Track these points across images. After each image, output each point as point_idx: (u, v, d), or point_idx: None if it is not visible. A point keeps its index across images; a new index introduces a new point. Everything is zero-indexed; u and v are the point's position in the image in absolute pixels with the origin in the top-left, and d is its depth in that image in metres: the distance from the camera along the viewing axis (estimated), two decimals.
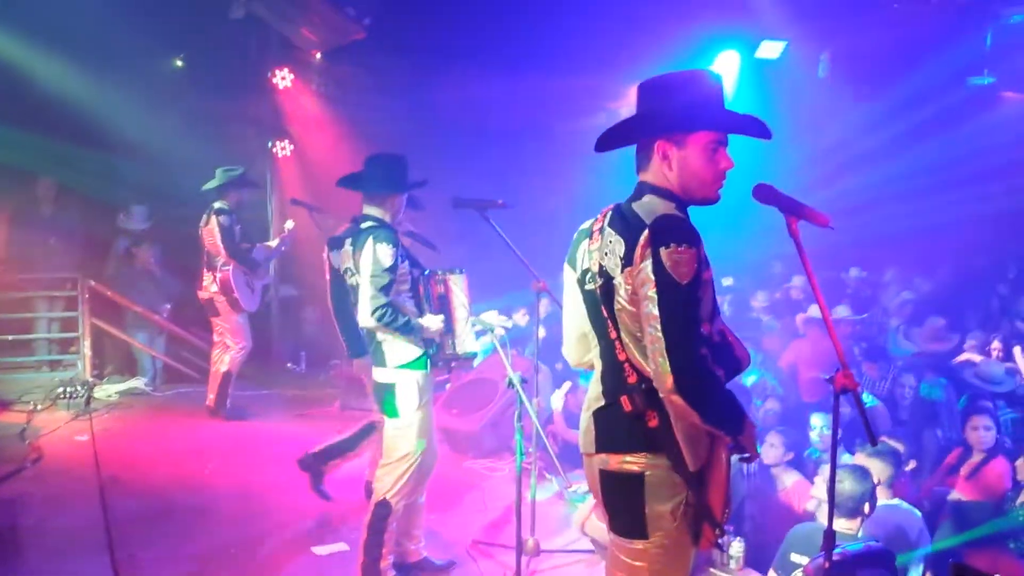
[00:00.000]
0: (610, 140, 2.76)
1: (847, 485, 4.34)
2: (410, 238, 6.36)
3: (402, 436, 4.42)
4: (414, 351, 4.39)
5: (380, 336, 4.40)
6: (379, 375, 4.47)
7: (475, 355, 4.83)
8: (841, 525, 4.27)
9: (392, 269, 4.26)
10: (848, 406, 5.27)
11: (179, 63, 10.42)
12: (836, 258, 10.13)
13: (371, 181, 4.55)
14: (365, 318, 4.26)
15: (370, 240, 4.29)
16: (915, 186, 9.58)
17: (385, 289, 4.23)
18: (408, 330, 4.31)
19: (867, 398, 6.77)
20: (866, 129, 9.96)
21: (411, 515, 4.62)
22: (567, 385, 7.00)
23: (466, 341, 4.66)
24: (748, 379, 7.44)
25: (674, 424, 2.56)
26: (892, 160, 9.82)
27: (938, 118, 9.35)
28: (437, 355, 4.53)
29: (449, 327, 4.58)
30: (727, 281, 10.13)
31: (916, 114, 9.41)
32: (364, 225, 4.45)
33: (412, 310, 4.45)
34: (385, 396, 4.44)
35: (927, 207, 9.30)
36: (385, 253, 4.25)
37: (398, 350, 4.39)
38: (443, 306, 4.60)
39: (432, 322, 4.44)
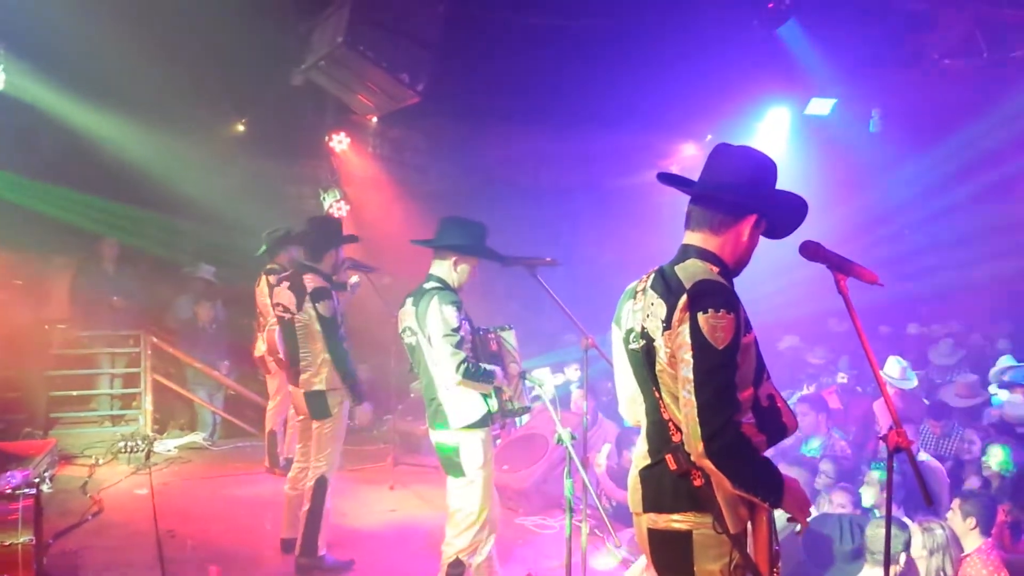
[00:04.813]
0: (673, 182, 2.84)
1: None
2: (353, 268, 6.69)
3: (468, 495, 4.46)
4: (477, 410, 4.43)
5: (441, 396, 4.45)
6: (441, 436, 4.51)
7: (528, 409, 4.86)
8: (874, 574, 4.25)
9: (459, 329, 4.36)
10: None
11: (240, 127, 10.81)
12: (891, 313, 10.00)
13: (440, 237, 4.62)
14: (451, 375, 4.32)
15: (434, 300, 4.37)
16: (970, 241, 9.46)
17: (459, 345, 4.32)
18: (489, 379, 4.39)
19: (922, 456, 6.60)
20: (918, 185, 9.90)
21: (488, 568, 4.64)
22: (607, 448, 6.95)
23: (520, 395, 4.71)
24: (814, 443, 7.32)
25: (715, 485, 2.57)
26: (947, 216, 9.72)
27: (992, 174, 9.26)
28: (497, 411, 4.56)
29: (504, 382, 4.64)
30: (790, 340, 10.03)
31: (970, 170, 9.34)
32: (427, 285, 4.54)
33: None
34: (449, 457, 4.47)
35: (983, 262, 9.16)
36: (451, 314, 4.35)
37: (461, 409, 4.43)
38: (497, 362, 4.66)
39: (499, 373, 4.51)
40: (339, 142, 10.52)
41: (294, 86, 8.82)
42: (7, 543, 4.23)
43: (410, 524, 6.57)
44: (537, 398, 4.94)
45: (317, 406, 5.62)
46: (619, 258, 10.50)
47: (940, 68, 8.61)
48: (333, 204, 10.47)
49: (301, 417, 5.92)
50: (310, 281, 5.58)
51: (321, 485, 5.60)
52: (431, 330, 4.36)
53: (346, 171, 10.84)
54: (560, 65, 8.85)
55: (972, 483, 6.28)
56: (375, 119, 10.39)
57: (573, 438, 4.37)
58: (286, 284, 5.69)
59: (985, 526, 4.97)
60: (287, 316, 5.66)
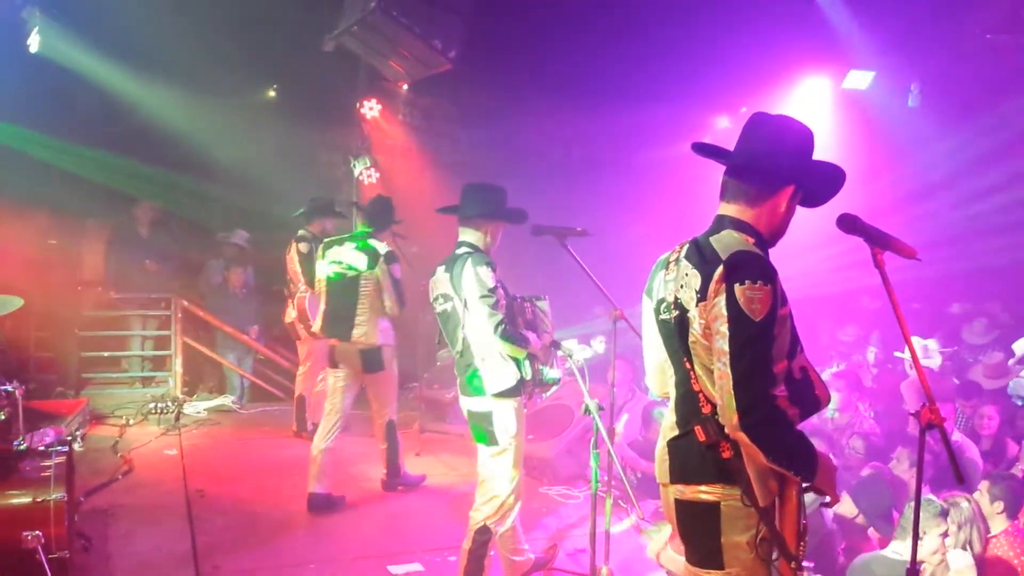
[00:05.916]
0: (709, 153, 2.78)
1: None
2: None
3: (499, 463, 4.45)
4: (511, 376, 4.39)
5: (477, 362, 4.42)
6: (475, 404, 4.48)
7: (558, 380, 4.85)
8: (899, 547, 4.30)
9: (494, 290, 4.32)
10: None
11: (272, 93, 10.82)
12: (925, 290, 9.88)
13: (466, 205, 4.58)
14: (489, 337, 4.30)
15: (468, 263, 4.34)
16: (1010, 219, 9.29)
17: (495, 306, 4.30)
18: (525, 343, 4.38)
19: (956, 435, 6.55)
20: (956, 161, 9.71)
21: (513, 536, 4.66)
22: (624, 418, 6.94)
23: (552, 365, 4.70)
24: (838, 416, 7.28)
25: (745, 457, 2.55)
26: (985, 192, 9.53)
27: None
28: (529, 380, 4.52)
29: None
30: None
31: (1009, 147, 9.14)
32: (458, 251, 4.51)
33: None
34: (481, 425, 4.45)
35: (1018, 241, 9.00)
36: (487, 275, 4.32)
37: (496, 376, 4.39)
38: (532, 330, 4.63)
39: (536, 340, 4.50)
40: (370, 108, 10.51)
41: (326, 52, 8.79)
42: (39, 499, 4.28)
43: (436, 490, 6.62)
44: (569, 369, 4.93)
45: (373, 360, 6.05)
46: (648, 231, 10.42)
47: (982, 44, 8.42)
48: (363, 171, 10.48)
49: (339, 373, 6.14)
50: (381, 244, 6.01)
51: (391, 427, 6.31)
52: (467, 292, 4.33)
53: (376, 138, 10.83)
54: (593, 36, 8.76)
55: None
56: (406, 87, 10.37)
57: (601, 408, 4.37)
58: (351, 244, 6.03)
59: (1012, 509, 4.93)
60: (350, 273, 5.97)
